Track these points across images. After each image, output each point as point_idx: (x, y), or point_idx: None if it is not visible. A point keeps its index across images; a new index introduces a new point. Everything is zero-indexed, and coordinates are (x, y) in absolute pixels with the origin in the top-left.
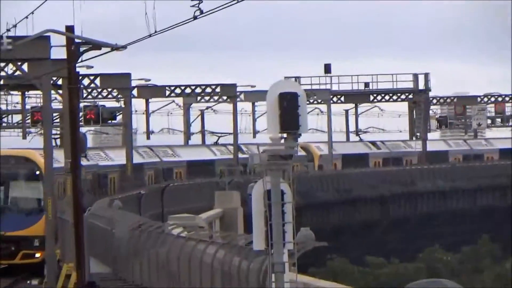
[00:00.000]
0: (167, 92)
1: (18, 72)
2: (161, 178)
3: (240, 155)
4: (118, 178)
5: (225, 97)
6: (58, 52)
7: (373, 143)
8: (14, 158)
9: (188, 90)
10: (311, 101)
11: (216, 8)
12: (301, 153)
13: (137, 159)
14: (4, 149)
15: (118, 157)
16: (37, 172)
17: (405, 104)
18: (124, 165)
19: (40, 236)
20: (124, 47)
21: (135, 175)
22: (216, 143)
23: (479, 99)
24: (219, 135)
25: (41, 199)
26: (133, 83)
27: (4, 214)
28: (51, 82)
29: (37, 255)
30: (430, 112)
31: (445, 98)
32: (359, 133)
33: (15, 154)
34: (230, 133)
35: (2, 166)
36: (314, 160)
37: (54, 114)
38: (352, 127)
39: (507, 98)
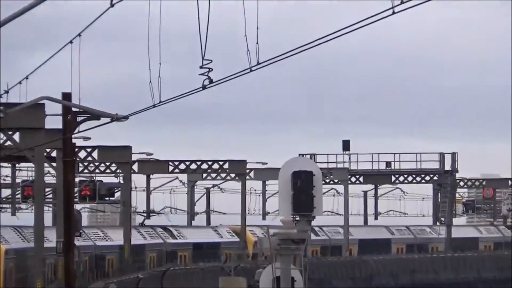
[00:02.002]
0: (171, 168)
1: (9, 142)
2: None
3: (171, 240)
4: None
5: (233, 175)
6: (54, 121)
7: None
8: None
9: (193, 166)
10: (327, 180)
11: (227, 77)
12: (234, 238)
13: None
14: None
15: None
16: None
17: (430, 186)
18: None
19: None
20: (126, 117)
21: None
22: (142, 224)
23: (510, 182)
24: (145, 215)
25: None
26: (134, 157)
27: None
28: (45, 154)
29: None
30: (457, 195)
31: (473, 181)
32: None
33: None
34: (160, 213)
35: None
36: (248, 246)
37: (47, 189)
38: (371, 210)
39: None
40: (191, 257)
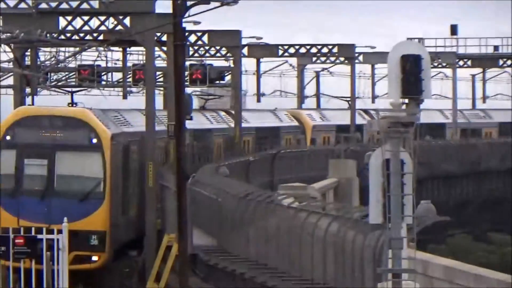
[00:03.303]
0: (280, 52)
1: (119, 27)
2: None
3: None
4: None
5: (342, 59)
6: (163, 6)
7: (366, 111)
8: (61, 120)
9: (303, 50)
10: (435, 64)
11: None
12: (293, 123)
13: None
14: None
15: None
16: (94, 140)
17: None
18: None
19: (100, 231)
20: (235, 1)
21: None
22: (203, 108)
23: None
24: (206, 97)
25: (101, 178)
26: (244, 41)
27: (49, 200)
28: (155, 38)
29: (94, 258)
30: None
31: None
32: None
33: (62, 114)
34: (217, 96)
35: (46, 131)
36: (306, 132)
37: (157, 73)
38: (479, 94)
39: None
40: (254, 142)
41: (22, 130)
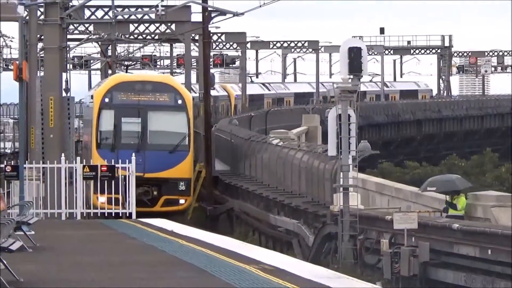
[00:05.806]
0: (271, 45)
1: (168, 30)
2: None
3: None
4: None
5: (311, 50)
6: (196, 17)
7: (265, 85)
8: (151, 84)
9: (285, 44)
10: (370, 53)
11: None
12: (223, 93)
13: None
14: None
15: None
16: (180, 101)
17: (435, 56)
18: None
19: (186, 178)
20: (242, 13)
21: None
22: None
23: (486, 53)
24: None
25: (186, 134)
26: (248, 39)
27: (143, 152)
28: (191, 37)
29: (182, 201)
30: (452, 62)
31: (462, 52)
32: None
33: (152, 80)
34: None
35: (139, 93)
36: (231, 99)
37: (192, 60)
38: (398, 72)
39: (505, 53)
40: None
41: (118, 93)
